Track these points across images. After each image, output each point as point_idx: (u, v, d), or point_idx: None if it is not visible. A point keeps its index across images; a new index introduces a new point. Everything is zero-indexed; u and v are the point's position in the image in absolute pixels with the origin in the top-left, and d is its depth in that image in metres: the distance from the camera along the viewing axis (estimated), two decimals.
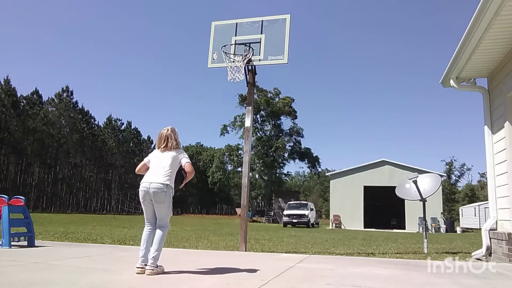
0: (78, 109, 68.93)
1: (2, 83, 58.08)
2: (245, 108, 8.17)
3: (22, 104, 60.97)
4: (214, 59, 7.50)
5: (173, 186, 4.10)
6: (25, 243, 6.40)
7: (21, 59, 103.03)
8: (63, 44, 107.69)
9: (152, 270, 3.80)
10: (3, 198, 6.41)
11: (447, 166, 68.56)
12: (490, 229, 6.13)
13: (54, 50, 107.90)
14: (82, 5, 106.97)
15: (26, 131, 59.21)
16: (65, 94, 67.37)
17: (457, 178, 70.14)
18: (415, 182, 8.04)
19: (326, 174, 46.54)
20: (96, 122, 75.25)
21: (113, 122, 79.08)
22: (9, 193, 43.25)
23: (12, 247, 5.95)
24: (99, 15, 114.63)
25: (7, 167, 60.94)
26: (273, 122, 53.10)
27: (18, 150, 58.94)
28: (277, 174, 55.23)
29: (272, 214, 42.47)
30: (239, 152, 50.68)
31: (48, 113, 63.89)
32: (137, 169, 4.30)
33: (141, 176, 4.18)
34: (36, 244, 6.47)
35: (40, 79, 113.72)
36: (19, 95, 60.46)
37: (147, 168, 4.18)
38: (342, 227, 31.08)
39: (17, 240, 6.32)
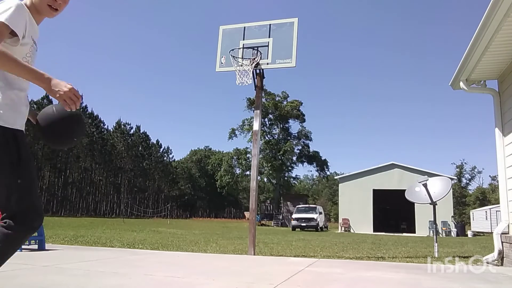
0: (87, 114, 69.57)
1: None
2: (253, 111, 8.18)
3: (33, 108, 61.45)
4: (222, 63, 7.52)
5: None
6: (36, 246, 6.45)
7: None
8: (72, 50, 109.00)
9: None
10: None
11: (458, 169, 67.85)
12: (502, 233, 6.05)
13: (64, 55, 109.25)
14: (91, 14, 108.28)
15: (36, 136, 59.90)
16: None
17: (467, 181, 69.37)
18: (425, 186, 7.97)
19: (335, 177, 46.42)
20: (106, 126, 75.96)
21: (122, 126, 79.61)
22: None
23: (22, 250, 6.00)
24: (107, 23, 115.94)
25: None
26: (281, 125, 53.13)
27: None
28: (286, 178, 55.17)
29: (280, 217, 42.36)
30: (248, 155, 50.76)
31: None
32: None
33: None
34: (46, 248, 6.52)
35: None
36: (29, 100, 61.11)
37: None
38: (351, 230, 30.88)
39: (27, 243, 6.37)
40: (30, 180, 1.88)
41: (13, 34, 1.79)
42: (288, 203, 43.02)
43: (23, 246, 6.12)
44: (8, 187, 1.82)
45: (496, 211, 26.59)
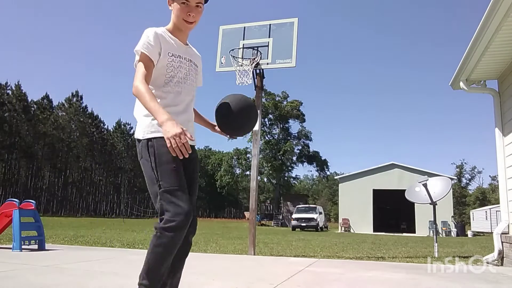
0: (87, 114, 69.61)
1: (14, 88, 58.91)
2: None
3: (33, 109, 61.74)
4: (222, 63, 7.52)
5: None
6: (36, 246, 6.45)
7: (31, 64, 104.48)
8: (73, 50, 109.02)
9: None
10: (14, 202, 6.48)
11: (458, 169, 67.92)
12: (502, 233, 6.05)
13: (65, 56, 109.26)
14: (90, 13, 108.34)
15: (37, 136, 59.92)
16: (74, 99, 68.11)
17: (467, 181, 69.45)
18: (425, 186, 7.97)
19: (335, 177, 46.39)
20: (106, 127, 76.06)
21: (122, 126, 79.63)
22: (20, 197, 43.75)
23: (23, 250, 6.00)
24: (106, 23, 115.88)
25: (18, 171, 61.70)
26: (281, 125, 53.14)
27: (29, 154, 59.62)
28: (286, 178, 55.16)
29: (280, 217, 42.36)
30: (248, 155, 50.78)
31: (58, 117, 64.62)
32: None
33: None
34: (46, 248, 6.52)
35: (50, 84, 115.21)
36: (30, 100, 61.26)
37: None
38: (351, 230, 30.89)
39: (27, 243, 6.37)
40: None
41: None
42: (288, 203, 43.01)
43: (23, 246, 6.12)
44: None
45: (496, 211, 26.59)
